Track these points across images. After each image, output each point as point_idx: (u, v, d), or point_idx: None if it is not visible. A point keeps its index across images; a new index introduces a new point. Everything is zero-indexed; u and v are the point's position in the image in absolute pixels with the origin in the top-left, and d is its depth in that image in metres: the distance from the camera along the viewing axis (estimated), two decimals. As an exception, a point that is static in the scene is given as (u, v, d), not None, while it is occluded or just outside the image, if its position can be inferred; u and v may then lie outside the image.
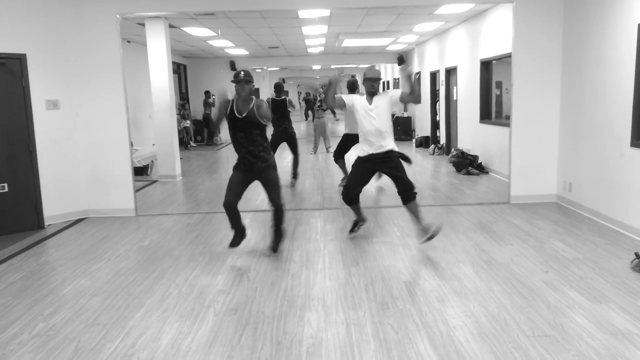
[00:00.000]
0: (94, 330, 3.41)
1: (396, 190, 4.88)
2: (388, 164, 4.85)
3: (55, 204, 6.28)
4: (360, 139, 4.98)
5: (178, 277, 4.35)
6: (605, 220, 5.53)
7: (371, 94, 4.87)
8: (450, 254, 4.72)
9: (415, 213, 4.85)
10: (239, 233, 4.84)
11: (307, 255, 4.82)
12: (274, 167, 4.72)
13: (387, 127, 4.85)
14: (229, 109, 4.56)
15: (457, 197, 7.21)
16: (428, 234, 4.80)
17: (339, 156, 7.77)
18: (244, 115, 4.50)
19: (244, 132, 4.53)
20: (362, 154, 4.92)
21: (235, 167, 4.74)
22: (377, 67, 4.96)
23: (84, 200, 6.59)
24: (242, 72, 4.51)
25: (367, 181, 5.05)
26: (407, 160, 4.95)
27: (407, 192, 4.79)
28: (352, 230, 5.36)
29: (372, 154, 4.84)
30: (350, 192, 5.03)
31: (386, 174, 5.01)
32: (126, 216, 6.58)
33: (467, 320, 3.38)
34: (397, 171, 4.82)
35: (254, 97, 4.61)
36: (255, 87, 15.97)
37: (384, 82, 20.62)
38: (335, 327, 3.35)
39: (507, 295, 3.75)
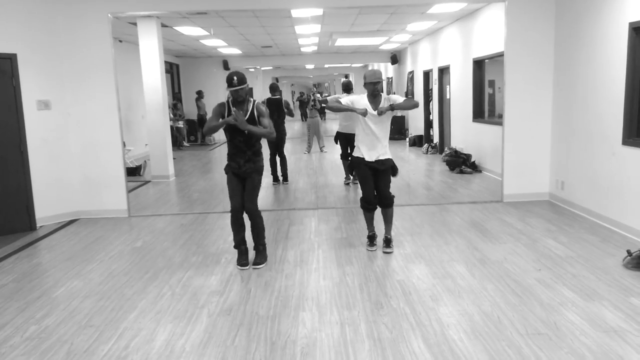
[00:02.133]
0: (86, 332, 3.39)
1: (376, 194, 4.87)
2: (381, 170, 4.79)
3: (47, 205, 6.24)
4: (358, 141, 4.86)
5: (171, 278, 4.33)
6: (598, 218, 5.56)
7: (374, 96, 4.77)
8: (443, 252, 4.73)
9: (387, 221, 4.92)
10: (243, 250, 4.63)
11: (301, 255, 4.81)
12: (259, 172, 4.60)
13: (386, 132, 4.83)
14: (225, 113, 4.44)
15: (450, 196, 7.23)
16: (389, 249, 4.87)
17: (344, 157, 8.09)
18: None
19: (243, 136, 4.41)
20: (359, 155, 4.81)
21: (227, 171, 4.61)
22: (377, 69, 4.81)
23: (76, 201, 6.55)
24: (235, 78, 4.31)
25: (373, 182, 4.84)
26: (395, 172, 4.98)
27: (385, 201, 4.86)
28: (371, 246, 5.00)
29: (369, 161, 4.75)
30: (370, 197, 4.84)
31: (374, 179, 4.86)
32: (119, 217, 6.55)
33: (461, 318, 3.39)
34: (384, 181, 4.82)
35: (252, 99, 4.52)
36: (249, 86, 16.02)
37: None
38: (329, 327, 3.35)
39: (500, 294, 3.76)
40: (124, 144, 6.77)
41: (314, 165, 10.44)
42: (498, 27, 7.60)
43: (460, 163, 9.12)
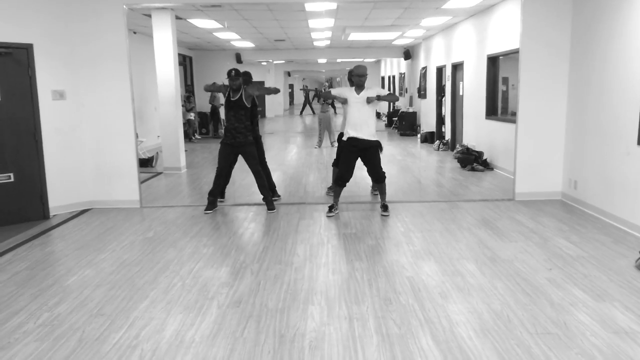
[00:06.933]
0: (98, 320, 3.44)
1: (368, 173, 6.01)
2: (369, 151, 5.77)
3: (60, 195, 6.31)
4: (346, 126, 5.83)
5: (182, 269, 4.37)
6: (610, 219, 5.50)
7: (359, 86, 5.76)
8: (454, 250, 4.72)
9: (381, 192, 6.05)
10: (213, 202, 6.26)
11: (310, 249, 4.83)
12: (251, 143, 6.16)
13: (371, 117, 5.78)
14: (226, 93, 6.09)
15: (461, 193, 7.20)
16: (386, 212, 5.97)
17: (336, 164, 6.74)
18: (235, 99, 6.07)
19: (233, 111, 6.05)
20: (348, 136, 5.78)
21: (222, 142, 6.18)
22: (363, 64, 5.96)
23: (89, 191, 6.61)
24: (233, 71, 6.04)
25: (354, 164, 5.84)
26: (381, 149, 5.95)
27: (378, 177, 5.92)
28: (330, 212, 6.02)
29: (357, 138, 5.71)
30: (345, 175, 5.85)
31: (364, 160, 5.85)
32: (131, 207, 6.61)
33: (470, 316, 3.38)
34: (373, 161, 5.83)
35: (243, 87, 6.13)
36: (261, 79, 17.41)
37: (390, 77, 20.72)
38: (338, 321, 3.36)
39: (510, 292, 3.75)
40: (136, 135, 6.82)
41: (324, 160, 10.44)
42: (513, 24, 7.52)
43: (472, 160, 9.06)
